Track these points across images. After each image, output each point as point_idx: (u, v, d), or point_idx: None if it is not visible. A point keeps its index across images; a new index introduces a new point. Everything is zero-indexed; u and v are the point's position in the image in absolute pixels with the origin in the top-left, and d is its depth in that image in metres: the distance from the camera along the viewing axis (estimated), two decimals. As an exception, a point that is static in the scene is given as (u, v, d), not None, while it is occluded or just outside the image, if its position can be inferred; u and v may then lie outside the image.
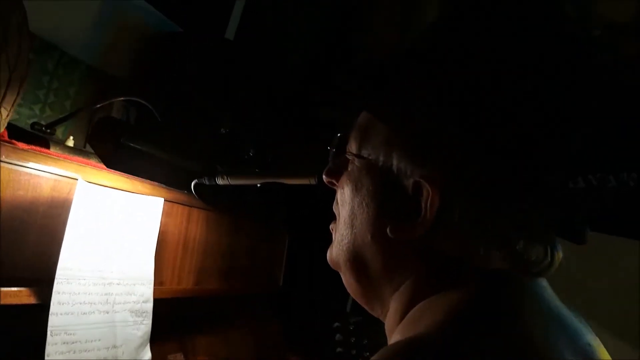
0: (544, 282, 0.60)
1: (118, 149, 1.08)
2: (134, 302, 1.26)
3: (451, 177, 0.55)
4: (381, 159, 0.61)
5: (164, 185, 1.38)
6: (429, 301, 0.58)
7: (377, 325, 1.94)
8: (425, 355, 0.47)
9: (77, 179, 1.17)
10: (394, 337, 0.58)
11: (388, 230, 0.59)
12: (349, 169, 0.67)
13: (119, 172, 1.27)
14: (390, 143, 0.60)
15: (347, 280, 0.68)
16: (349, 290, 0.70)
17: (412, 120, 0.58)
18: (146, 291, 1.30)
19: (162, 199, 1.34)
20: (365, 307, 0.69)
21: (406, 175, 0.58)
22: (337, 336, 1.87)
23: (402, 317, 0.61)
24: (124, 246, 1.25)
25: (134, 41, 1.52)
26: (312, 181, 0.98)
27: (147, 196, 1.31)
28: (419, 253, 0.59)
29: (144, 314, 1.28)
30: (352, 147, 0.66)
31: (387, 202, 0.60)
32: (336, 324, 1.89)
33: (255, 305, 1.77)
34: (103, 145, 1.07)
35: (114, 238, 1.23)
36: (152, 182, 1.35)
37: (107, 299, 1.19)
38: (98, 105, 1.28)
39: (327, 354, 1.88)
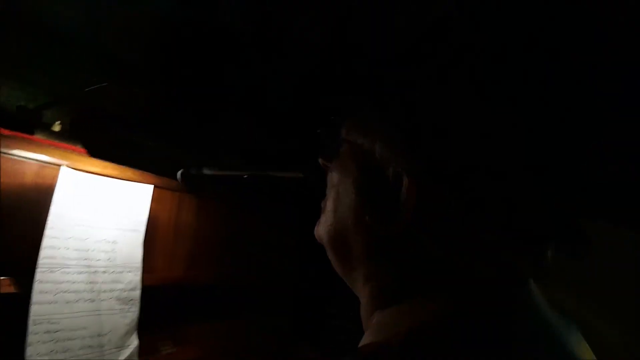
0: (532, 287, 0.57)
1: (104, 138, 1.05)
2: (121, 290, 1.25)
3: (433, 171, 0.52)
4: (367, 146, 0.59)
5: (154, 173, 1.36)
6: (406, 305, 0.55)
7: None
8: None
9: (61, 165, 1.15)
10: (366, 335, 0.57)
11: (367, 217, 0.57)
12: (340, 153, 0.65)
13: (106, 160, 1.24)
14: (377, 131, 0.58)
15: (331, 257, 0.67)
16: (333, 265, 0.68)
17: (397, 109, 0.56)
18: (134, 278, 1.28)
19: (152, 186, 1.32)
20: (349, 285, 0.67)
21: (389, 164, 0.56)
22: (336, 322, 1.85)
23: (373, 310, 0.59)
24: (111, 234, 1.23)
25: (133, 21, 1.46)
26: (299, 175, 0.95)
27: (136, 183, 1.29)
28: (400, 246, 0.56)
29: (131, 302, 1.27)
30: (344, 131, 0.65)
31: (368, 189, 0.58)
32: (334, 310, 1.88)
33: (248, 294, 1.75)
34: (87, 135, 1.04)
35: (100, 226, 1.21)
36: (141, 169, 1.32)
37: (93, 288, 1.18)
38: (87, 89, 1.24)
39: (325, 341, 1.88)
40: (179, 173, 1.15)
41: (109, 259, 1.22)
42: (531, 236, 0.54)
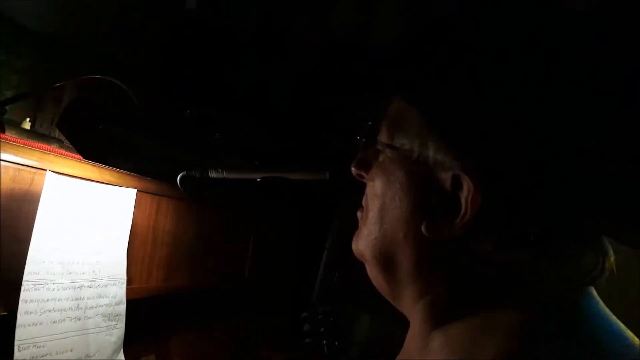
0: (593, 292, 0.57)
1: (95, 136, 0.94)
2: (107, 305, 1.13)
3: (495, 173, 0.49)
4: (416, 149, 0.55)
5: (135, 174, 1.24)
6: (479, 319, 0.53)
7: (348, 316, 1.89)
8: None
9: (39, 169, 1.02)
10: (437, 356, 0.54)
11: (423, 227, 0.53)
12: (380, 160, 0.61)
13: (85, 160, 1.12)
14: (427, 132, 0.54)
15: (374, 275, 0.63)
16: (374, 283, 0.64)
17: (453, 107, 0.52)
18: (119, 292, 1.17)
19: (135, 190, 1.21)
20: (391, 302, 0.64)
21: (444, 168, 0.52)
22: (305, 326, 1.81)
23: (430, 329, 0.57)
24: (95, 243, 1.11)
25: (100, 7, 1.34)
26: (325, 177, 0.90)
27: (119, 187, 1.17)
28: (456, 257, 0.54)
29: (117, 317, 1.16)
30: (384, 136, 0.60)
31: (422, 197, 0.55)
32: (304, 314, 1.84)
33: (225, 299, 1.67)
34: (77, 132, 0.92)
35: (83, 235, 1.09)
36: (120, 170, 1.21)
37: (79, 304, 1.06)
38: (57, 84, 1.11)
39: (296, 345, 1.83)
40: (179, 177, 1.05)
41: (93, 271, 1.11)
42: (591, 236, 0.53)
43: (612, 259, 0.54)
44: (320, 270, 1.95)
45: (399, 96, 0.61)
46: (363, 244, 0.63)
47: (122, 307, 1.17)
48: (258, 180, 0.97)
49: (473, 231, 0.51)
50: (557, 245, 0.51)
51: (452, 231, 0.51)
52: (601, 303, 0.56)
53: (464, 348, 0.52)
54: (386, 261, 0.59)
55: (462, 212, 0.50)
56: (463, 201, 0.50)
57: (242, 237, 1.78)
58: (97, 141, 0.94)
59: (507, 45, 0.52)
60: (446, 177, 0.52)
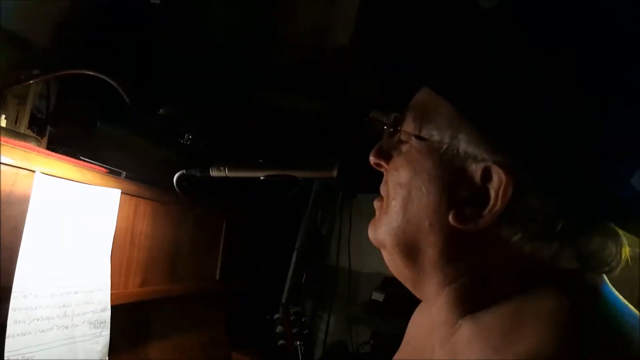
0: (606, 278, 0.60)
1: (92, 134, 0.89)
2: (92, 312, 1.08)
3: (525, 166, 0.51)
4: (446, 140, 0.56)
5: (116, 175, 1.19)
6: (511, 308, 0.55)
7: (319, 315, 1.90)
8: None
9: (23, 169, 0.95)
10: (474, 344, 0.55)
11: (450, 217, 0.55)
12: (404, 150, 0.62)
13: (67, 159, 1.06)
14: (458, 124, 0.55)
15: (394, 262, 0.63)
16: (393, 271, 0.65)
17: (486, 100, 0.52)
18: (104, 298, 1.11)
19: (119, 191, 1.15)
20: (411, 290, 0.65)
21: (475, 159, 0.54)
22: (278, 328, 1.80)
23: (457, 317, 0.58)
24: (81, 247, 1.06)
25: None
26: (332, 175, 0.90)
27: (104, 187, 1.12)
28: (483, 246, 0.55)
29: (103, 324, 1.10)
30: (410, 127, 0.61)
31: (450, 187, 0.56)
32: (276, 316, 1.82)
33: (202, 302, 1.63)
34: (73, 130, 0.87)
35: (70, 238, 1.03)
36: (101, 169, 1.15)
37: (66, 312, 1.00)
38: (32, 81, 1.05)
39: (269, 347, 1.81)
40: (176, 176, 1.01)
41: (80, 276, 1.05)
42: (611, 228, 0.57)
43: (627, 249, 0.58)
44: (290, 271, 1.94)
45: (428, 87, 0.61)
46: (383, 232, 0.63)
47: (107, 314, 1.12)
48: (262, 178, 0.96)
49: (502, 221, 0.53)
50: (582, 236, 0.54)
51: (481, 222, 0.53)
52: (612, 287, 0.59)
53: (499, 336, 0.52)
54: (409, 249, 0.60)
55: (492, 203, 0.52)
56: (493, 193, 0.52)
57: (213, 239, 1.74)
58: (92, 139, 0.89)
59: (542, 38, 0.54)
60: (477, 168, 0.54)
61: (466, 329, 0.57)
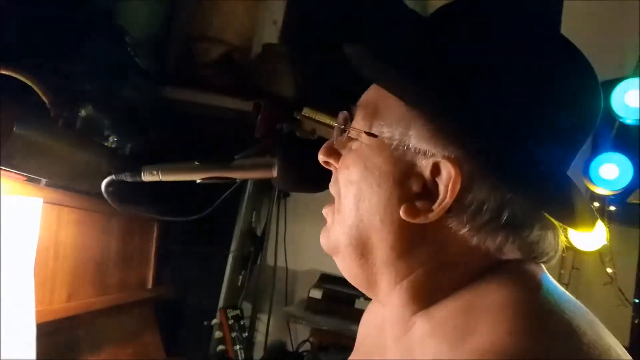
0: (545, 270, 0.62)
1: (9, 139, 0.81)
2: (16, 332, 0.99)
3: (473, 160, 0.53)
4: (396, 137, 0.57)
5: (35, 182, 1.10)
6: (462, 301, 0.56)
7: (258, 317, 1.87)
8: None
9: None
10: (428, 341, 0.55)
11: (401, 211, 0.55)
12: (354, 148, 0.62)
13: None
14: (408, 121, 0.56)
15: (346, 265, 0.63)
16: (346, 275, 0.65)
17: (436, 96, 0.54)
18: (28, 317, 1.03)
19: (41, 200, 1.07)
20: (365, 292, 0.65)
21: (425, 155, 0.55)
22: (217, 334, 1.75)
23: (411, 313, 0.59)
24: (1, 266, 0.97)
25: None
26: (272, 175, 0.88)
27: (23, 197, 1.03)
28: (433, 239, 0.57)
29: (28, 345, 1.01)
30: (360, 124, 0.61)
31: (401, 182, 0.57)
32: (214, 321, 1.78)
33: (135, 312, 1.55)
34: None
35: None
36: (19, 177, 1.06)
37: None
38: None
39: (208, 354, 1.76)
40: (105, 181, 0.94)
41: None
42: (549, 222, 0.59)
43: (563, 239, 0.61)
44: (226, 275, 1.90)
45: (378, 84, 0.61)
46: (335, 233, 0.63)
47: (32, 334, 1.03)
48: (198, 182, 0.92)
49: (450, 214, 0.54)
50: (524, 228, 0.55)
51: (430, 215, 0.54)
52: (549, 275, 0.62)
53: (453, 332, 0.53)
54: (362, 247, 0.60)
55: (441, 197, 0.53)
56: (442, 187, 0.53)
57: (144, 246, 1.67)
58: (8, 145, 0.81)
59: (483, 28, 0.56)
60: (427, 164, 0.55)
61: (420, 326, 0.58)
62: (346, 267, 0.64)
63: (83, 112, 1.32)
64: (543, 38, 0.56)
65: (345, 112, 0.66)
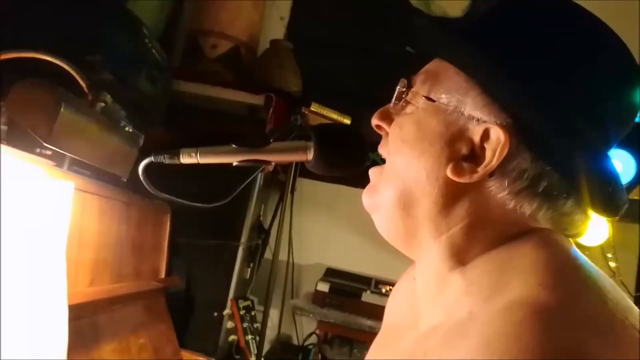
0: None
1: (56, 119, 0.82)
2: (49, 312, 1.00)
3: (521, 131, 0.57)
4: (453, 103, 0.61)
5: (61, 167, 1.12)
6: (497, 260, 0.60)
7: (264, 309, 1.87)
8: (566, 321, 0.48)
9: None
10: (465, 297, 0.59)
11: (448, 169, 0.60)
12: (409, 111, 0.67)
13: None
14: (465, 90, 0.61)
15: (387, 219, 0.67)
16: (384, 231, 0.69)
17: (493, 70, 0.58)
18: (60, 298, 1.04)
19: (72, 184, 1.08)
20: (401, 247, 0.69)
21: (478, 122, 0.59)
22: (229, 324, 1.77)
23: (449, 268, 0.62)
24: (31, 254, 0.97)
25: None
26: (307, 158, 0.90)
27: (54, 180, 1.04)
28: (474, 198, 0.61)
29: (60, 324, 1.03)
30: (421, 89, 0.66)
31: (451, 143, 0.61)
32: (226, 311, 1.79)
33: (149, 301, 1.56)
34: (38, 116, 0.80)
35: (17, 245, 0.94)
36: (48, 161, 1.07)
37: (21, 313, 0.92)
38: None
39: (218, 344, 1.78)
40: (143, 164, 0.95)
41: (34, 276, 0.97)
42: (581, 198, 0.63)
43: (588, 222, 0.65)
44: (236, 266, 1.91)
45: (442, 58, 0.66)
46: (382, 188, 0.67)
47: (65, 314, 1.04)
48: (235, 164, 0.93)
49: (493, 177, 0.59)
50: (558, 200, 0.60)
51: (475, 176, 0.59)
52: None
53: (488, 288, 0.57)
54: (405, 199, 0.64)
55: (487, 160, 0.58)
56: (490, 151, 0.58)
57: (157, 236, 1.68)
58: (58, 124, 0.83)
59: (539, 13, 0.61)
60: (478, 129, 0.59)
61: (456, 284, 0.61)
62: (387, 221, 0.68)
63: (102, 102, 1.34)
64: (595, 27, 0.60)
65: (404, 79, 0.70)
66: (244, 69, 2.29)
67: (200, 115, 2.20)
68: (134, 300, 1.51)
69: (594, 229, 1.83)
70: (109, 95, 1.34)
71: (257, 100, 2.03)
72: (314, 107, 2.06)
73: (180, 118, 2.00)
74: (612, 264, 1.82)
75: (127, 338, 1.40)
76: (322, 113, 2.09)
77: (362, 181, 0.74)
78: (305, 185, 2.37)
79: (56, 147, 0.91)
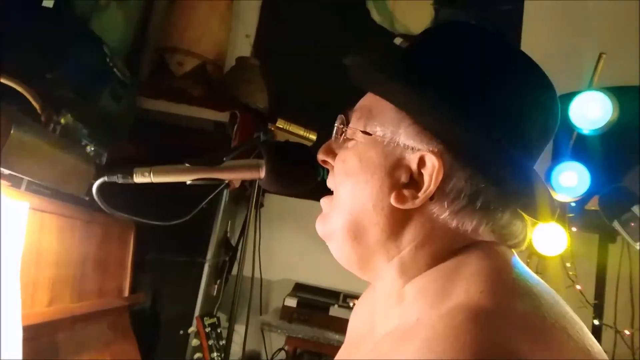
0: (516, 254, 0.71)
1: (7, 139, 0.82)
2: (4, 335, 0.99)
3: (452, 153, 0.62)
4: (388, 135, 0.66)
5: (20, 187, 1.11)
6: (442, 271, 0.64)
7: (231, 326, 1.87)
8: (501, 323, 0.53)
9: None
10: (413, 304, 0.63)
11: (392, 198, 0.64)
12: (350, 146, 0.70)
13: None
14: (398, 121, 0.65)
15: (341, 247, 0.71)
16: (340, 257, 0.72)
17: (420, 102, 0.63)
18: (14, 319, 1.03)
19: (27, 204, 1.08)
20: (357, 272, 0.73)
21: (412, 150, 0.64)
22: (194, 342, 1.76)
23: (403, 284, 0.67)
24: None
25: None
26: (259, 176, 0.92)
27: (11, 200, 1.04)
28: (418, 222, 0.65)
29: (15, 347, 1.02)
30: (356, 124, 0.70)
31: (391, 173, 0.65)
32: (191, 329, 1.79)
33: (112, 319, 1.55)
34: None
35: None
36: (4, 180, 1.07)
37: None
38: None
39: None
40: (97, 183, 0.96)
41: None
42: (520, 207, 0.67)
43: (530, 229, 0.70)
44: (202, 283, 1.91)
45: (375, 93, 0.70)
46: (333, 219, 0.71)
47: (19, 336, 1.03)
48: (188, 183, 0.95)
49: (434, 200, 0.63)
50: (496, 213, 0.64)
51: (417, 201, 0.63)
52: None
53: (433, 295, 0.61)
54: (355, 230, 0.68)
55: (426, 185, 0.62)
56: (427, 177, 0.62)
57: (121, 253, 1.67)
58: (8, 145, 0.83)
59: (457, 46, 0.66)
60: (414, 157, 0.64)
61: (409, 295, 0.66)
62: (340, 250, 0.71)
63: (62, 120, 1.34)
64: (507, 54, 0.67)
65: (342, 115, 0.74)
66: (211, 86, 2.31)
67: (168, 131, 2.21)
68: (97, 319, 1.50)
69: (554, 240, 1.88)
70: (69, 115, 1.34)
71: (223, 117, 2.05)
72: (280, 123, 2.07)
73: (147, 134, 2.01)
74: (571, 273, 1.87)
75: (90, 357, 1.38)
76: (288, 129, 2.11)
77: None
78: (273, 201, 2.38)
79: (7, 169, 0.91)
